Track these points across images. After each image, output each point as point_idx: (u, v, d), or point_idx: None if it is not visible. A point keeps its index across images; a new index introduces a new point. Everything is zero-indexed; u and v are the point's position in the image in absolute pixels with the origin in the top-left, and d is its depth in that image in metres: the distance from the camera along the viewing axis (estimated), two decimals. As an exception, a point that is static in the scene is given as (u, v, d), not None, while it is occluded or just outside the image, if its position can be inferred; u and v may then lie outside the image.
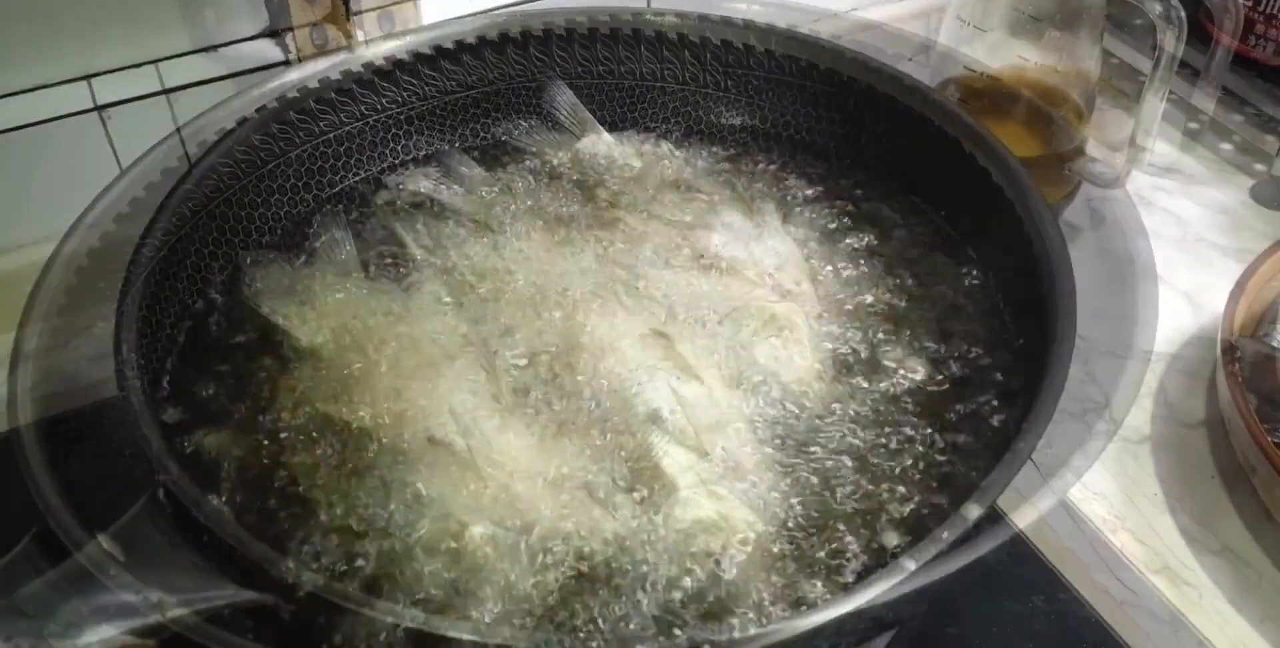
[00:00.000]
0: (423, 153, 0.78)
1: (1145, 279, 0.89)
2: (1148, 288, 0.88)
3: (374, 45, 0.75)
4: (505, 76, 0.78)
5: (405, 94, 0.76)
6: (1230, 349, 0.71)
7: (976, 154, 0.69)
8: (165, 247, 0.65)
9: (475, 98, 0.78)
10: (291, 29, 0.86)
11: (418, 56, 0.75)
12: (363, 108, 0.75)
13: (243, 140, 0.70)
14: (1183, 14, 0.84)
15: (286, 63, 0.86)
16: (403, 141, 0.78)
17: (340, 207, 0.75)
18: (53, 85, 0.83)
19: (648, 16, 0.77)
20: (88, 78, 0.83)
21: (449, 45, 0.76)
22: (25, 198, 0.85)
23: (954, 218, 0.72)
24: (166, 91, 0.84)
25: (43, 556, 0.47)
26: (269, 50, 0.87)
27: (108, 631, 0.45)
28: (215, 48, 0.87)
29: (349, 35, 0.81)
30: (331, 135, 0.75)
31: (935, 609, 0.68)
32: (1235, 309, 0.73)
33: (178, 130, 0.72)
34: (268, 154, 0.72)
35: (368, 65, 0.74)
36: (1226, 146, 1.01)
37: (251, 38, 0.87)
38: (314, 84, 0.73)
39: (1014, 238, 0.65)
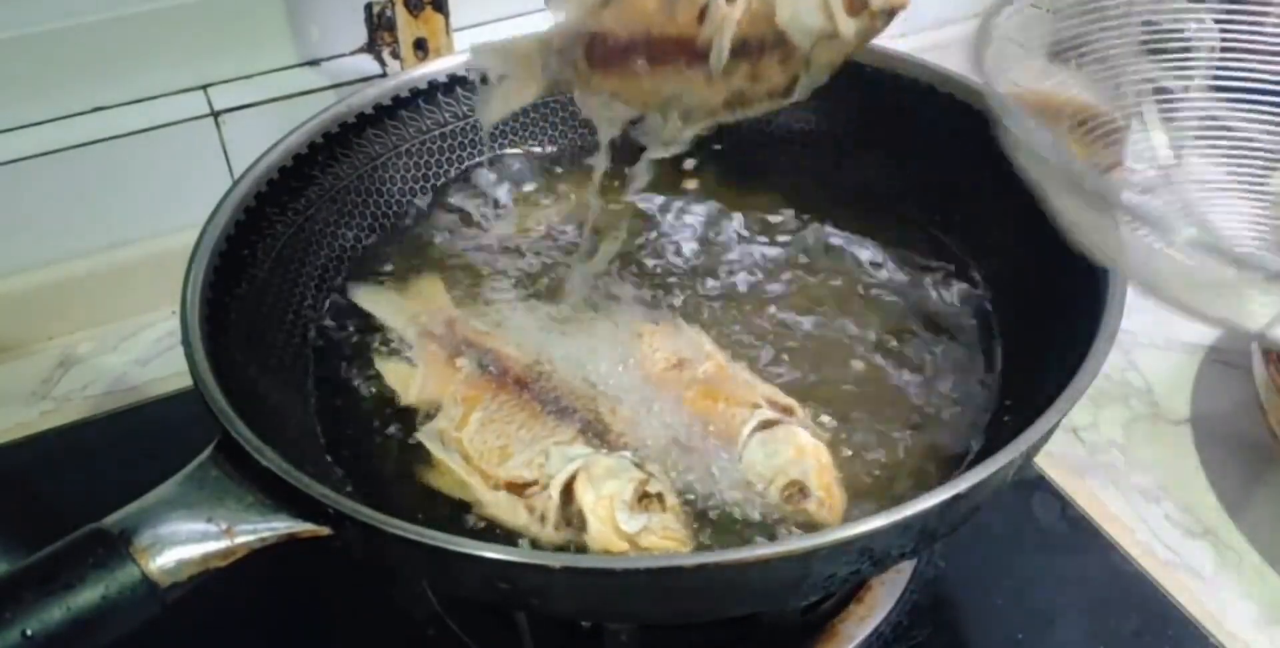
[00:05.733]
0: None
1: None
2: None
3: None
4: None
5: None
6: (1265, 331, 0.77)
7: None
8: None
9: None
10: (385, 45, 0.94)
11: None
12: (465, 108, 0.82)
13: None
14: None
15: (383, 75, 0.94)
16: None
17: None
18: (173, 94, 0.91)
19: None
20: (205, 87, 0.91)
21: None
22: (146, 195, 0.92)
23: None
24: (275, 100, 0.92)
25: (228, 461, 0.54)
26: (366, 64, 0.95)
27: (185, 552, 0.52)
28: (319, 61, 0.95)
29: (449, 49, 0.89)
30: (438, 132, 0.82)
31: (992, 565, 0.74)
32: (1269, 296, 0.79)
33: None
34: (381, 147, 0.79)
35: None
36: (1256, 162, 1.07)
37: (351, 53, 0.95)
38: (424, 85, 0.80)
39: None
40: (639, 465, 0.62)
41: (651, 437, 0.64)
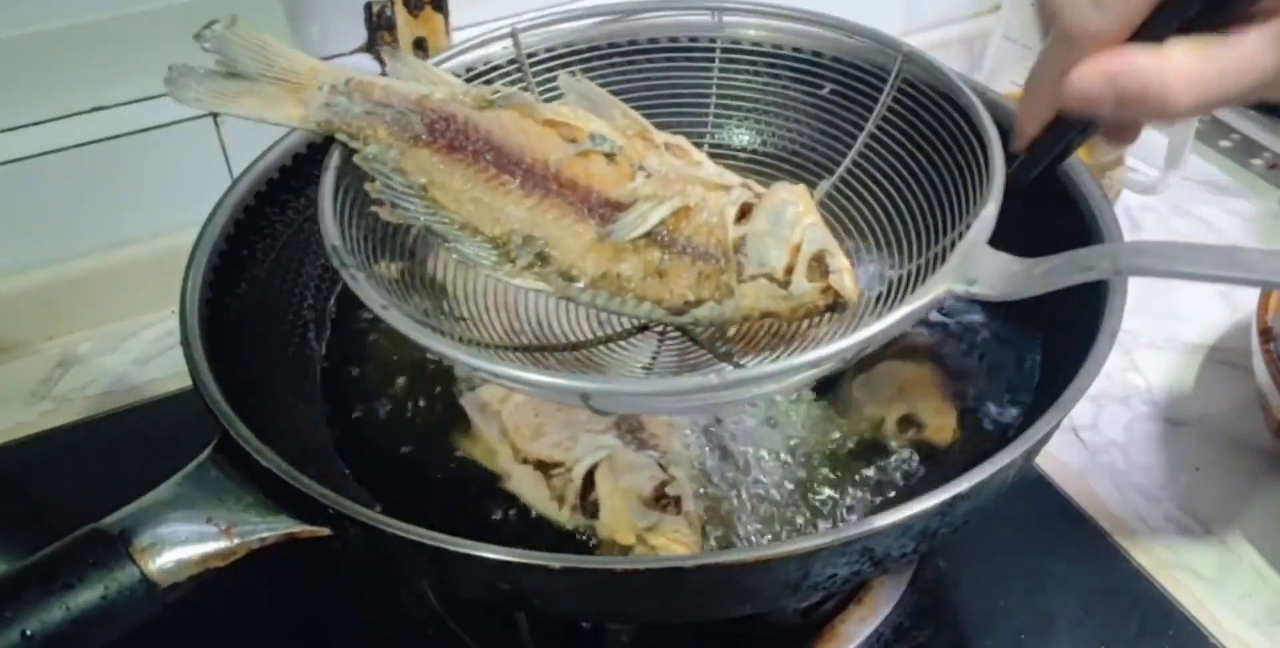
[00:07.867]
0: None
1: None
2: (1184, 287, 0.95)
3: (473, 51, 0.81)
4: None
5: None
6: (1266, 331, 0.77)
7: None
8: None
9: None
10: (385, 44, 0.94)
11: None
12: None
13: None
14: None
15: (382, 75, 0.93)
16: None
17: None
18: (173, 93, 0.91)
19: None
20: (204, 86, 0.91)
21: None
22: (146, 195, 0.92)
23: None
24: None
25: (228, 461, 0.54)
26: (367, 64, 0.95)
27: (185, 552, 0.52)
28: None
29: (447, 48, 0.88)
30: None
31: (992, 565, 0.74)
32: (1270, 296, 0.79)
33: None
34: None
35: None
36: (1257, 162, 1.07)
37: (351, 52, 0.95)
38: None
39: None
40: (663, 467, 0.62)
41: (681, 447, 0.65)
